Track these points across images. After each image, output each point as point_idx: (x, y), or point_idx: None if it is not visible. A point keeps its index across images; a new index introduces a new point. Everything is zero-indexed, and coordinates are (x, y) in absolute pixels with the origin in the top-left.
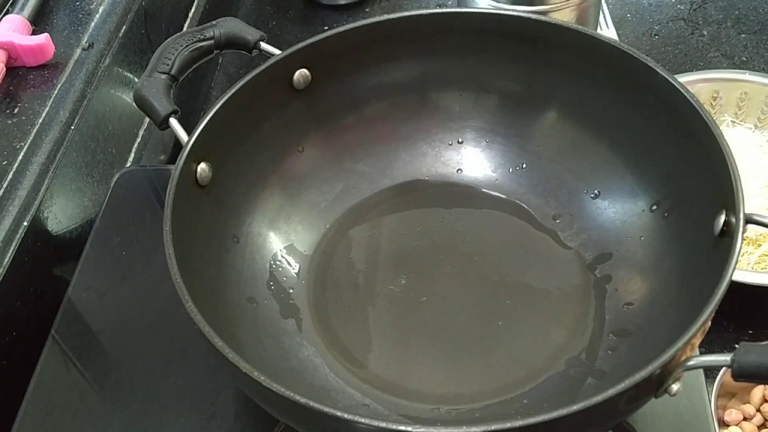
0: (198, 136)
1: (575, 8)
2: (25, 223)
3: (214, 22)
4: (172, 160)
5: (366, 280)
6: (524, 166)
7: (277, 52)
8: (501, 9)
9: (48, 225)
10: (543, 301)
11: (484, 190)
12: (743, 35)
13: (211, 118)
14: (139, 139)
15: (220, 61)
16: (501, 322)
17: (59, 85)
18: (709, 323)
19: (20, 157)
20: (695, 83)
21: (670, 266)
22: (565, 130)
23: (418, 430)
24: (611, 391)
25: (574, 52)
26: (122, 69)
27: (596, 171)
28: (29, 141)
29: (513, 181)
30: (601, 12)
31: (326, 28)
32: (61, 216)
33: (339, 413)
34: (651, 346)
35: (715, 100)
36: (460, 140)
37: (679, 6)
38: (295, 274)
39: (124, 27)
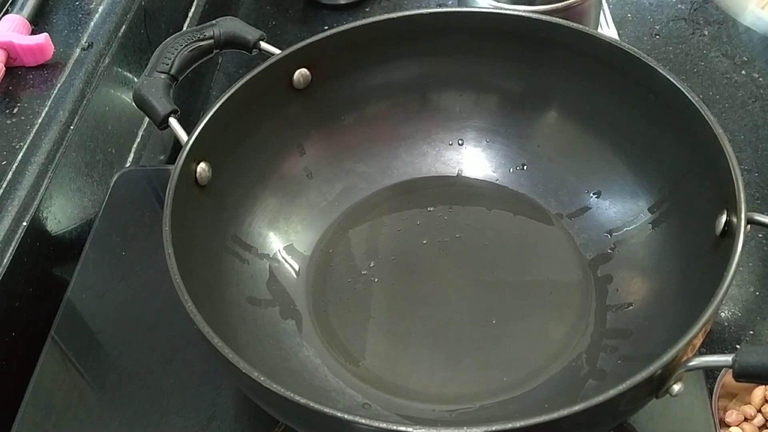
0: (198, 136)
1: (576, 8)
2: (25, 223)
3: (213, 22)
4: (172, 160)
5: (366, 280)
6: (525, 166)
7: (277, 51)
8: (501, 9)
9: (47, 225)
10: (543, 301)
11: (484, 190)
12: (743, 35)
13: (210, 118)
14: (138, 139)
15: (219, 60)
16: (501, 322)
17: (59, 85)
18: (711, 324)
19: (19, 157)
20: None
21: (671, 266)
22: (566, 130)
23: (418, 430)
24: (612, 392)
25: (575, 52)
26: (122, 69)
27: (597, 171)
28: (28, 141)
29: (513, 181)
30: (601, 11)
31: (326, 28)
32: (60, 216)
33: (339, 414)
34: (652, 347)
35: None
36: (460, 140)
37: (680, 6)
38: (295, 274)
39: (124, 27)
